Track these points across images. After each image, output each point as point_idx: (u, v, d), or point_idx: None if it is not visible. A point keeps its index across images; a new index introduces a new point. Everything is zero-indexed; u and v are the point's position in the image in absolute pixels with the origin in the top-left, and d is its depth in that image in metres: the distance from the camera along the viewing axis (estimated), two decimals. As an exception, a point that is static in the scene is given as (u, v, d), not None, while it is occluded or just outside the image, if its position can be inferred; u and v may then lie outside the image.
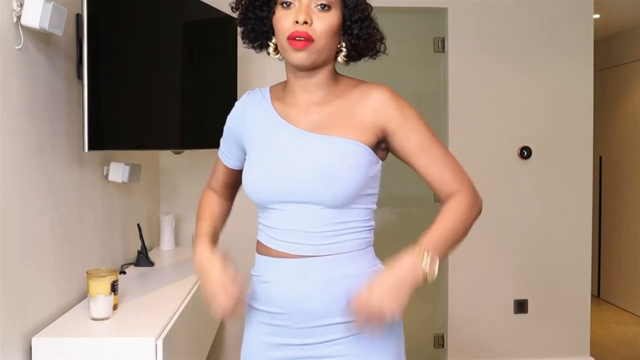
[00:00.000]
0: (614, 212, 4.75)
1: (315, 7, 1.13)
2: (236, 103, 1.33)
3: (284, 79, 1.26)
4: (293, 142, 1.18)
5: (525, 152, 3.17)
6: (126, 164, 2.17)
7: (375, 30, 1.20)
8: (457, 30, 3.14)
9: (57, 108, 1.78)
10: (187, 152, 2.90)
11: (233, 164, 1.34)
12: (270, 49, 1.22)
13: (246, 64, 2.93)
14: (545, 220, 3.21)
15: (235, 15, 1.26)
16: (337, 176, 1.13)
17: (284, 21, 1.13)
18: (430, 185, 1.22)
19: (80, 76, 1.81)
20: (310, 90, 1.21)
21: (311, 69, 1.17)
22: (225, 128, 1.34)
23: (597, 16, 3.89)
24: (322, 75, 1.20)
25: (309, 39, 1.11)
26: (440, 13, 3.20)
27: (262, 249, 1.25)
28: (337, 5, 1.15)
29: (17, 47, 1.53)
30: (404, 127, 1.17)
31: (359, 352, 1.18)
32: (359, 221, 1.19)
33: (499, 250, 3.19)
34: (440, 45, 3.20)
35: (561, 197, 3.21)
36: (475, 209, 1.21)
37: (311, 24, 1.12)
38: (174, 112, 2.40)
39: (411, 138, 1.18)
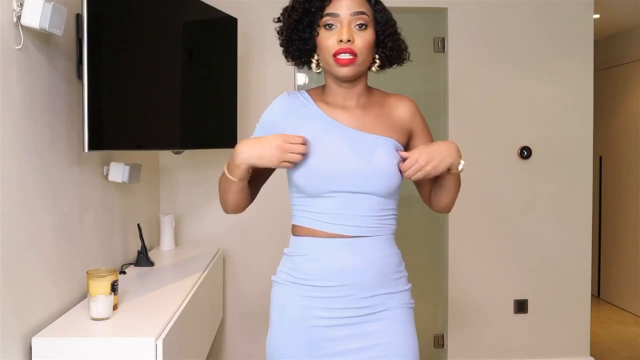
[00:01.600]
0: (614, 212, 4.75)
1: (354, 26, 1.31)
2: (278, 98, 1.43)
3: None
4: (345, 139, 1.34)
5: (525, 152, 3.17)
6: (126, 164, 2.17)
7: (402, 42, 1.41)
8: (457, 30, 3.14)
9: (57, 108, 1.78)
10: (187, 152, 2.90)
11: None
12: (313, 65, 1.40)
13: (246, 64, 2.93)
14: (545, 220, 3.21)
15: (276, 27, 1.40)
16: (388, 170, 1.33)
17: (329, 41, 1.31)
18: None
19: (80, 76, 1.81)
20: (352, 98, 1.40)
21: (352, 80, 1.36)
22: (264, 120, 1.42)
23: (597, 16, 3.89)
24: (360, 85, 1.40)
25: (353, 54, 1.29)
26: (440, 13, 3.20)
27: (306, 232, 1.37)
28: (371, 23, 1.35)
29: (17, 47, 1.53)
30: (421, 132, 1.45)
31: (395, 328, 1.34)
32: (394, 209, 1.41)
33: (498, 250, 3.19)
34: (440, 45, 3.20)
35: (561, 197, 3.21)
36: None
37: (353, 41, 1.30)
38: (174, 112, 2.40)
39: (424, 141, 1.44)
